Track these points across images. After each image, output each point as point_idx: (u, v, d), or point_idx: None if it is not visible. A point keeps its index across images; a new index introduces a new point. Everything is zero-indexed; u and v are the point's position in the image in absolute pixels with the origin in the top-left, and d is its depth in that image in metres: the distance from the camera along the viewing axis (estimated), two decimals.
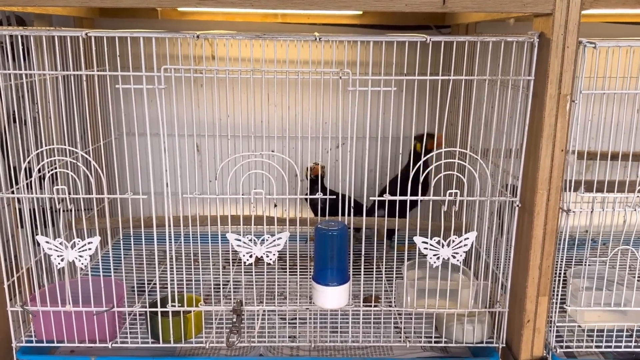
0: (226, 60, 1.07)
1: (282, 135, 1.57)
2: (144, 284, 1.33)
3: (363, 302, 1.17)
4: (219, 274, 1.40)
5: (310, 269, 1.30)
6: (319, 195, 1.04)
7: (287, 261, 1.19)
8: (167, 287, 1.12)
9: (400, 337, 1.13)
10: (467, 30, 1.57)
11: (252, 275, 1.32)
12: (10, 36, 0.99)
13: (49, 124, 1.11)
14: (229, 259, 1.49)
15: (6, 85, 1.02)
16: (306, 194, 1.56)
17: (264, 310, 1.14)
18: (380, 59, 1.05)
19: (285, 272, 1.39)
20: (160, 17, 1.60)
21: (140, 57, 0.96)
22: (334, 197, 1.06)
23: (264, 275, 1.11)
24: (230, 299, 1.13)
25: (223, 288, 1.35)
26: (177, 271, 1.08)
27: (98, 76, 0.99)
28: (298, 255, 1.12)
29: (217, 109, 1.22)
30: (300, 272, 1.35)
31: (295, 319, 1.20)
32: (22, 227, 1.22)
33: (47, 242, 1.04)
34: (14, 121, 1.11)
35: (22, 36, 1.00)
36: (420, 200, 1.06)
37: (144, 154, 1.05)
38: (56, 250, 1.04)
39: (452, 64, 1.01)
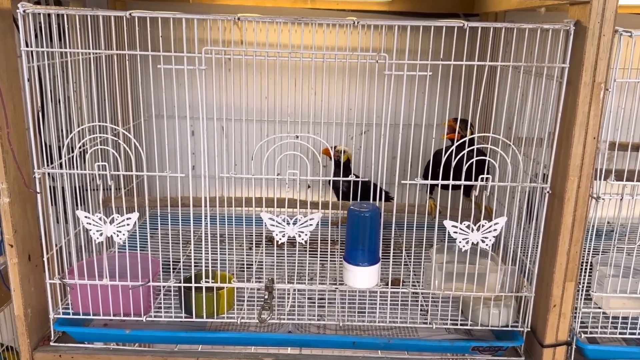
0: (254, 45, 1.08)
1: (319, 121, 1.58)
2: (170, 261, 1.36)
3: (388, 285, 1.19)
4: (244, 254, 1.43)
5: (331, 252, 1.33)
6: (351, 178, 1.06)
7: (318, 243, 1.21)
8: (195, 266, 1.15)
9: (426, 319, 1.15)
10: (496, 18, 1.57)
11: (278, 256, 1.34)
12: (47, 17, 1.01)
13: (89, 103, 1.13)
14: (252, 241, 1.52)
15: (40, 65, 1.04)
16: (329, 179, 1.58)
17: (294, 290, 1.17)
18: (409, 46, 1.06)
19: (307, 254, 1.42)
20: (191, 0, 1.62)
21: (183, 39, 0.98)
22: (367, 179, 1.08)
23: (291, 256, 1.14)
24: (260, 278, 1.16)
25: (250, 268, 1.37)
26: (211, 250, 1.11)
27: (129, 58, 1.02)
28: (328, 238, 1.15)
29: (261, 93, 1.24)
30: (321, 254, 1.38)
31: (323, 299, 1.23)
32: (52, 204, 1.26)
33: (87, 217, 1.07)
34: (55, 101, 1.14)
35: (57, 16, 1.02)
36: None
37: (172, 135, 1.08)
38: (95, 225, 1.07)
39: (477, 52, 1.02)
